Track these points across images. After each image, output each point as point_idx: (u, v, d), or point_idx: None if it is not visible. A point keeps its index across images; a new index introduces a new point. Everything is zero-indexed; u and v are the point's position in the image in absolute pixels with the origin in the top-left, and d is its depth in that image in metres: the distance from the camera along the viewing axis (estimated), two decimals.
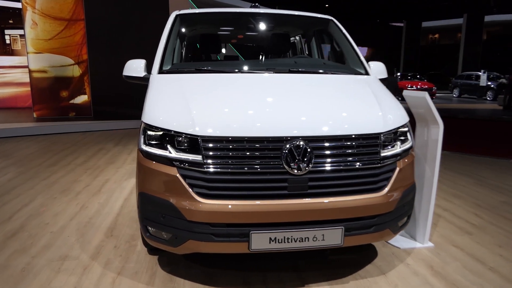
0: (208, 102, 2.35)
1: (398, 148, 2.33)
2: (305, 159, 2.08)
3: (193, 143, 2.12)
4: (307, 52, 4.31)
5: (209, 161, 2.08)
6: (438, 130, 2.80)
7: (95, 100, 9.64)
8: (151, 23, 8.95)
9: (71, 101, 9.73)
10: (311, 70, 2.95)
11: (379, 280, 2.47)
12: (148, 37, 8.97)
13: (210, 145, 2.09)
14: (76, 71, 9.61)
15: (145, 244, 2.79)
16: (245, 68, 2.90)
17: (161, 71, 2.82)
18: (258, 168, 2.08)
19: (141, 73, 3.02)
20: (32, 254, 2.78)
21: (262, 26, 3.47)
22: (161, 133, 2.21)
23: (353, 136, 2.19)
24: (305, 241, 2.11)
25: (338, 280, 2.47)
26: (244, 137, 2.09)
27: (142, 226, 2.32)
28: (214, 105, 2.32)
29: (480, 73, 20.32)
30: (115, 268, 2.59)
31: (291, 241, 2.10)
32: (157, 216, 2.20)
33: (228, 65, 3.14)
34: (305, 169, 2.08)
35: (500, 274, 2.57)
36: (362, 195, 2.18)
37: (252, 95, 2.46)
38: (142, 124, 2.34)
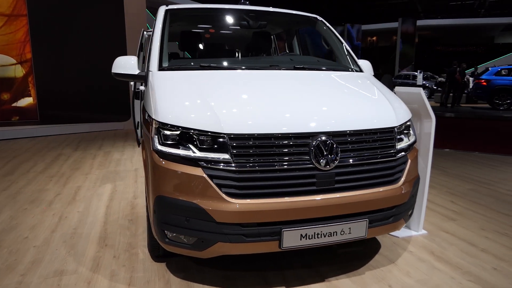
0: (228, 99, 2.28)
1: (408, 141, 2.44)
2: (332, 154, 2.10)
3: (219, 141, 2.03)
4: (287, 50, 4.35)
5: (238, 159, 2.01)
6: (431, 124, 2.98)
7: (42, 103, 8.89)
8: (103, 18, 8.48)
9: (14, 104, 8.87)
10: (314, 67, 2.99)
11: (392, 269, 2.57)
12: (101, 34, 8.53)
13: (238, 143, 2.02)
14: (18, 71, 8.78)
15: (151, 250, 2.63)
16: (250, 65, 2.86)
17: (161, 68, 2.67)
18: (286, 164, 2.05)
19: (134, 70, 2.85)
20: (20, 272, 2.49)
21: (253, 23, 3.44)
22: (178, 132, 2.10)
23: (373, 130, 2.26)
24: (333, 235, 2.13)
25: (355, 272, 2.52)
26: (272, 134, 2.06)
27: (159, 231, 2.17)
28: (235, 102, 2.25)
29: (416, 73, 21.97)
30: (123, 279, 2.41)
31: (321, 237, 2.11)
32: (179, 220, 2.08)
33: (232, 62, 3.07)
34: (333, 164, 2.10)
35: (492, 254, 2.80)
36: (382, 187, 2.25)
37: (268, 91, 2.43)
38: (154, 124, 2.19)
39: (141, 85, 3.69)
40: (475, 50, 29.14)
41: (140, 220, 3.37)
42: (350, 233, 2.17)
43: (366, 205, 2.19)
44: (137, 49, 4.83)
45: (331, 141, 2.11)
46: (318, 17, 3.57)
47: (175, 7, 3.22)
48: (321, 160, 2.08)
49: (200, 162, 2.03)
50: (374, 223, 2.24)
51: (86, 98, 8.55)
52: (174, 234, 2.14)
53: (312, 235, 2.09)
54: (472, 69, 19.48)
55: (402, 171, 2.36)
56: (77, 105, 8.54)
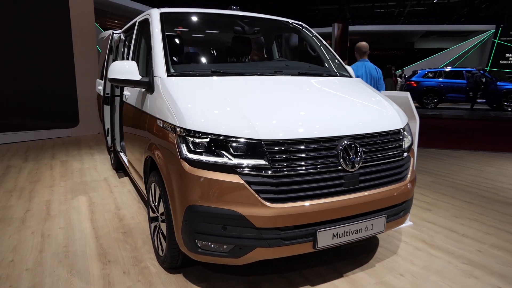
0: (255, 105, 2.29)
1: (410, 141, 2.67)
2: (357, 156, 2.23)
3: (255, 147, 2.05)
4: (265, 55, 4.44)
5: (275, 164, 2.05)
6: (416, 125, 3.27)
7: None
8: (46, 17, 7.81)
9: None
10: (316, 73, 3.11)
11: (396, 259, 2.79)
12: (43, 33, 7.83)
13: (274, 148, 2.06)
14: None
15: (169, 262, 2.54)
16: (256, 71, 2.89)
17: (170, 74, 2.60)
18: (318, 167, 2.14)
19: (136, 75, 2.73)
20: None
21: (244, 27, 3.47)
22: (209, 139, 2.08)
23: (386, 132, 2.44)
24: (359, 232, 2.27)
25: (366, 265, 2.69)
26: (303, 139, 2.13)
27: (190, 241, 2.12)
28: (262, 108, 2.27)
29: None
30: None
31: (349, 234, 2.23)
32: (215, 229, 2.06)
33: (239, 68, 3.06)
34: (357, 165, 2.23)
35: (472, 238, 3.16)
36: (395, 184, 2.44)
37: (288, 97, 2.49)
38: (179, 131, 2.14)
39: (125, 90, 3.54)
40: (398, 54, 31.84)
41: (135, 232, 3.22)
42: (372, 229, 2.32)
43: (384, 202, 2.36)
44: (106, 52, 4.57)
45: (355, 143, 2.24)
46: (303, 24, 3.72)
47: (169, 11, 3.13)
48: (348, 162, 2.20)
49: (236, 169, 2.03)
50: (390, 218, 2.43)
51: (29, 103, 7.79)
52: (207, 243, 2.11)
53: (342, 233, 2.20)
54: (400, 71, 21.29)
55: (407, 169, 2.58)
56: (19, 111, 7.74)
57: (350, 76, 3.30)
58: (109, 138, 4.72)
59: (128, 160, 3.74)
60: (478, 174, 5.29)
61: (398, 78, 18.46)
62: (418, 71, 15.67)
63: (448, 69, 16.33)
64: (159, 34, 2.85)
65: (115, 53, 4.60)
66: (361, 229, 2.27)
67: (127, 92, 3.51)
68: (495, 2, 30.93)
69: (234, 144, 2.06)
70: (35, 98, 7.83)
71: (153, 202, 2.73)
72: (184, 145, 2.12)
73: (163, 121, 2.37)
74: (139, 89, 3.03)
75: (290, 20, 3.67)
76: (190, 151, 2.10)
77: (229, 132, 2.07)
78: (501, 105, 14.69)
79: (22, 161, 5.89)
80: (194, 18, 3.35)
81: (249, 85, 2.60)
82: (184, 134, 2.13)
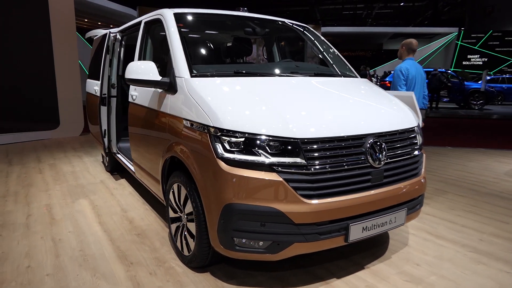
0: (287, 105, 2.36)
1: (421, 138, 2.83)
2: (382, 153, 2.35)
3: (291, 146, 2.12)
4: (265, 56, 4.51)
5: (311, 162, 2.13)
6: (419, 123, 3.44)
7: None
8: (26, 17, 7.50)
9: None
10: (330, 73, 3.22)
11: (409, 250, 2.94)
12: (21, 30, 7.51)
13: (310, 146, 2.14)
14: None
15: (191, 262, 2.56)
16: (275, 71, 2.95)
17: (193, 75, 2.61)
18: (349, 164, 2.24)
19: (156, 76, 2.73)
20: None
21: (255, 29, 3.53)
22: (244, 138, 2.13)
23: (405, 129, 2.58)
24: (384, 225, 2.40)
25: (383, 257, 2.83)
26: (335, 137, 2.22)
27: (228, 240, 2.16)
28: (294, 108, 2.34)
29: None
30: None
31: (376, 227, 2.35)
32: (253, 226, 2.12)
33: (258, 68, 3.10)
34: (382, 162, 2.36)
35: (472, 228, 3.38)
36: (413, 179, 2.58)
37: (314, 97, 2.57)
38: (213, 131, 2.18)
39: (132, 91, 3.50)
40: (367, 55, 32.84)
41: (149, 234, 3.20)
42: (395, 221, 2.46)
43: (405, 196, 2.50)
44: (103, 52, 4.48)
45: (380, 141, 2.37)
46: (307, 26, 3.82)
47: (182, 11, 3.14)
48: (374, 159, 2.32)
49: (274, 167, 2.10)
50: (409, 211, 2.57)
51: (7, 105, 7.45)
52: (244, 241, 2.16)
53: (370, 226, 2.32)
54: (372, 71, 21.99)
55: (421, 164, 2.73)
56: None
57: (356, 76, 3.44)
58: (106, 140, 4.62)
59: (135, 162, 3.69)
60: (463, 169, 5.62)
61: (372, 78, 19.07)
62: (392, 72, 16.25)
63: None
64: (177, 34, 2.85)
65: (112, 53, 4.52)
66: (386, 222, 2.40)
67: (134, 92, 3.47)
68: (456, 6, 32.59)
69: (271, 143, 2.12)
70: (13, 99, 7.50)
71: (175, 203, 2.73)
72: (219, 144, 2.16)
73: (192, 121, 2.39)
74: (153, 89, 3.01)
75: (295, 22, 3.76)
76: (226, 150, 2.14)
77: (266, 131, 2.12)
78: (468, 103, 15.54)
79: (6, 165, 5.64)
80: (206, 19, 3.37)
81: (274, 85, 2.67)
82: (219, 134, 2.17)
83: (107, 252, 2.88)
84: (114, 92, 4.63)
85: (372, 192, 2.32)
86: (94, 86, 4.82)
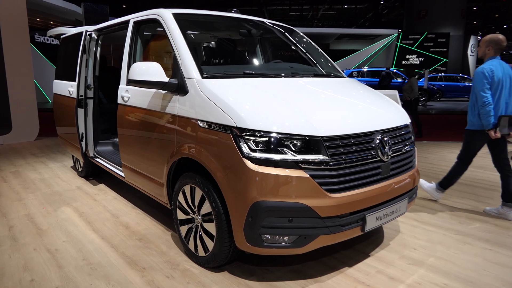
0: (304, 104, 2.45)
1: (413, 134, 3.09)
2: (388, 147, 2.55)
3: (314, 143, 2.23)
4: (247, 56, 4.57)
5: (333, 158, 2.26)
6: None
7: None
8: None
9: None
10: (327, 74, 3.37)
11: (403, 236, 3.20)
12: None
13: (331, 144, 2.27)
14: None
15: (209, 262, 2.58)
16: (280, 72, 3.03)
17: (204, 76, 2.62)
18: (363, 159, 2.40)
19: (163, 77, 2.69)
20: None
21: (251, 30, 3.58)
22: (267, 138, 2.20)
23: (403, 126, 2.80)
24: (392, 214, 2.60)
25: (383, 244, 3.05)
26: (351, 134, 2.37)
27: (256, 237, 2.22)
28: (311, 106, 2.44)
29: None
30: None
31: (386, 216, 2.54)
32: (282, 222, 2.20)
33: (262, 69, 3.14)
34: (389, 156, 2.55)
35: (449, 213, 3.74)
36: (410, 171, 2.82)
37: (322, 96, 2.70)
38: (237, 131, 2.22)
39: (121, 92, 3.40)
40: None
41: (151, 238, 3.14)
42: (399, 210, 2.67)
43: (406, 187, 2.72)
44: (80, 52, 4.26)
45: (386, 136, 2.56)
46: (293, 28, 3.96)
47: (180, 12, 3.11)
48: (383, 153, 2.50)
49: (300, 164, 2.19)
50: (409, 200, 2.80)
51: None
52: (271, 237, 2.24)
53: (382, 216, 2.50)
54: None
55: (415, 157, 2.98)
56: None
57: (344, 76, 3.63)
58: (83, 143, 4.41)
59: (126, 165, 3.57)
60: (425, 160, 6.12)
61: None
62: (344, 71, 17.09)
63: (365, 68, 18.04)
64: (179, 34, 2.83)
65: (88, 53, 4.32)
66: (394, 211, 2.60)
67: (125, 94, 3.36)
68: (393, 9, 34.84)
69: (295, 141, 2.21)
70: None
71: (186, 204, 2.72)
72: (244, 144, 2.21)
73: (210, 122, 2.40)
74: (154, 90, 2.96)
75: (283, 24, 3.88)
76: (251, 149, 2.20)
77: (291, 130, 2.21)
78: None
79: None
80: (201, 20, 3.37)
81: (285, 85, 2.75)
82: (244, 134, 2.21)
83: (113, 259, 2.79)
84: (90, 93, 4.43)
85: (382, 184, 2.50)
86: (68, 87, 4.56)
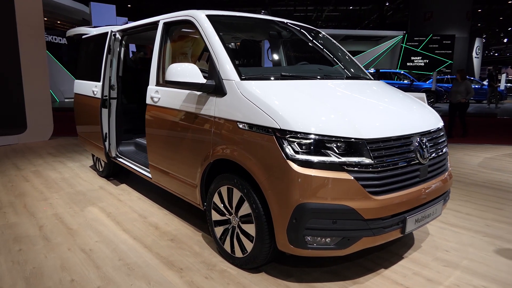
0: (346, 106, 2.47)
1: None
2: (427, 150, 2.56)
3: (357, 146, 2.24)
4: (269, 58, 4.59)
5: (376, 161, 2.27)
6: None
7: None
8: None
9: None
10: (359, 76, 3.39)
11: (433, 238, 3.21)
12: None
13: (374, 146, 2.28)
14: None
15: (247, 263, 2.60)
16: (314, 74, 3.05)
17: (243, 78, 2.63)
18: (404, 161, 2.41)
19: (201, 78, 2.71)
20: None
21: (281, 32, 3.60)
22: (312, 140, 2.22)
23: (438, 128, 2.82)
24: (430, 216, 2.61)
25: (415, 245, 3.06)
26: (391, 137, 2.38)
27: (300, 239, 2.23)
28: (353, 109, 2.46)
29: None
30: None
31: (424, 218, 2.55)
32: (326, 223, 2.21)
33: (298, 71, 3.15)
34: (428, 158, 2.56)
35: (475, 216, 3.75)
36: (445, 173, 2.83)
37: (361, 99, 2.72)
38: (280, 133, 2.23)
39: (151, 93, 3.42)
40: None
41: (183, 239, 3.16)
42: (436, 213, 2.68)
43: (441, 189, 2.73)
44: (105, 52, 4.29)
45: (424, 139, 2.57)
46: (319, 30, 3.97)
47: (213, 13, 3.13)
48: (422, 156, 2.52)
49: (345, 166, 2.20)
50: (444, 203, 2.81)
51: None
52: (315, 238, 2.25)
53: (420, 218, 2.51)
54: None
55: (447, 160, 2.99)
56: None
57: (372, 79, 3.65)
58: (107, 143, 4.43)
59: (154, 166, 3.58)
60: None
61: None
62: None
63: (371, 70, 18.04)
64: (217, 37, 2.84)
65: (112, 54, 4.34)
66: (431, 213, 2.61)
67: (156, 94, 3.38)
68: (398, 11, 34.83)
69: (339, 144, 2.23)
70: None
71: (223, 205, 2.74)
72: (289, 146, 2.22)
73: (251, 124, 2.42)
74: (187, 92, 2.97)
75: (310, 26, 3.90)
76: (295, 151, 2.21)
77: (335, 132, 2.22)
78: None
79: None
80: (235, 21, 3.39)
81: (324, 88, 2.77)
82: (288, 136, 2.23)
83: (149, 259, 2.80)
84: (114, 93, 4.45)
85: (421, 186, 2.51)
86: (92, 88, 4.58)
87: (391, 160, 2.34)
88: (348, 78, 3.26)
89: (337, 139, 2.22)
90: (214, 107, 2.73)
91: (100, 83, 4.32)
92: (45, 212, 3.74)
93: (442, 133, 2.87)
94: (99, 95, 4.35)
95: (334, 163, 2.19)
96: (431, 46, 27.37)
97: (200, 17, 3.03)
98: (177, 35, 3.73)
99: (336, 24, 41.56)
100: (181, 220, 3.58)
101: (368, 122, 2.37)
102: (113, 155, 4.51)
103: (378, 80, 3.56)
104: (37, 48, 7.49)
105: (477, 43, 28.59)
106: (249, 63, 3.49)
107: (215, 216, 2.84)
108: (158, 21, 3.55)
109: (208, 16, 3.05)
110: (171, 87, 3.14)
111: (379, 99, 2.86)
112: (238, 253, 2.66)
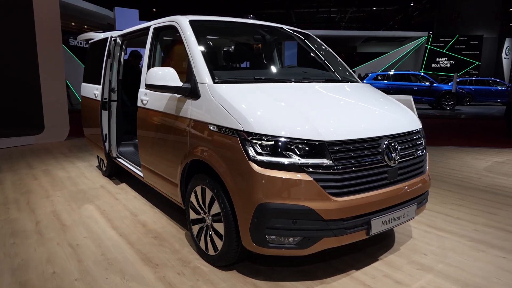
0: (310, 109, 2.51)
1: (424, 139, 3.07)
2: (396, 153, 2.56)
3: (319, 148, 2.28)
4: (265, 61, 4.66)
5: (337, 162, 2.30)
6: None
7: None
8: (10, 18, 7.31)
9: None
10: (338, 79, 3.41)
11: (415, 242, 3.17)
12: (6, 36, 7.33)
13: (335, 148, 2.31)
14: None
15: (218, 261, 2.68)
16: (290, 77, 3.11)
17: (215, 81, 2.73)
18: (369, 164, 2.43)
19: (177, 82, 2.82)
20: None
21: (265, 36, 3.67)
22: (274, 141, 2.27)
23: (413, 131, 2.80)
24: (399, 219, 2.60)
25: (392, 249, 3.04)
26: (356, 139, 2.40)
27: (261, 237, 2.29)
28: (317, 111, 2.50)
29: None
30: None
31: (393, 221, 2.55)
32: (286, 223, 2.26)
33: (274, 75, 3.23)
34: (396, 161, 2.56)
35: (465, 220, 3.67)
36: (420, 176, 2.81)
37: (333, 102, 2.75)
38: (244, 135, 2.30)
39: (141, 96, 3.56)
40: (341, 58, 33.63)
41: (166, 236, 3.28)
42: (407, 215, 2.67)
43: (415, 192, 2.71)
44: (105, 56, 4.49)
45: (394, 142, 2.57)
46: (309, 33, 4.01)
47: (196, 18, 3.24)
48: (390, 158, 2.52)
49: (304, 168, 2.25)
50: (418, 206, 2.79)
51: None
52: (276, 238, 2.30)
53: (388, 220, 2.52)
54: None
55: (426, 163, 2.97)
56: None
57: (358, 81, 3.65)
58: (107, 144, 4.63)
59: (144, 166, 3.74)
60: (446, 166, 5.98)
61: None
62: (369, 74, 16.91)
63: (392, 72, 17.72)
64: (196, 42, 2.95)
65: (112, 58, 4.54)
66: (401, 216, 2.61)
67: (144, 97, 3.53)
68: (425, 11, 33.97)
69: (300, 146, 2.27)
70: None
71: (198, 205, 2.83)
72: (251, 147, 2.29)
73: (219, 125, 2.50)
74: (170, 94, 3.09)
75: (299, 29, 3.94)
76: (257, 153, 2.28)
77: (296, 135, 2.27)
78: (440, 104, 16.36)
79: None
80: (217, 26, 3.49)
81: (294, 90, 2.82)
82: (250, 137, 2.30)
83: (129, 255, 2.94)
84: (114, 96, 4.64)
85: (389, 189, 2.52)
86: (93, 90, 4.81)
87: (353, 162, 2.36)
88: (328, 81, 3.29)
89: (297, 141, 2.27)
90: (190, 109, 2.83)
91: (101, 86, 4.53)
92: (42, 211, 3.96)
93: (417, 136, 2.85)
94: (100, 98, 4.56)
95: (294, 164, 2.24)
96: (458, 47, 26.59)
97: (182, 22, 3.15)
98: (170, 40, 3.87)
99: (360, 25, 41.01)
100: (169, 218, 3.70)
101: (332, 124, 2.40)
102: (114, 155, 4.71)
103: (362, 81, 3.56)
104: (54, 53, 7.87)
105: (507, 43, 27.49)
106: (243, 67, 3.58)
107: (192, 215, 2.94)
108: (149, 26, 3.70)
109: (191, 21, 3.17)
110: (155, 91, 3.27)
111: (352, 101, 2.88)
112: (211, 251, 2.74)
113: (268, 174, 2.24)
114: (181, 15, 3.24)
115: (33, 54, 7.58)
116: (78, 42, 19.34)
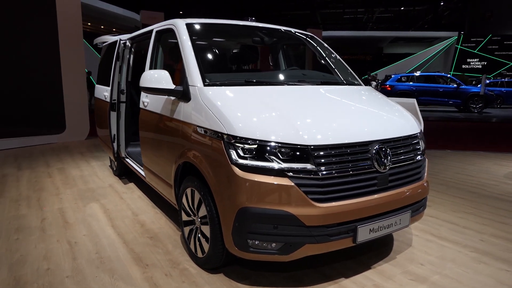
0: (297, 113, 2.48)
1: (424, 144, 2.95)
2: (387, 158, 2.47)
3: (302, 152, 2.24)
4: (271, 63, 4.63)
5: (321, 167, 2.25)
6: (421, 129, 3.57)
7: None
8: (34, 22, 7.64)
9: None
10: (336, 82, 3.34)
11: (413, 250, 3.05)
12: (28, 34, 7.63)
13: (319, 153, 2.26)
14: None
15: (205, 264, 2.68)
16: (283, 80, 3.08)
17: (206, 84, 2.73)
18: (356, 169, 2.36)
19: (170, 84, 2.85)
20: None
21: (264, 38, 3.65)
22: (257, 145, 2.25)
23: (408, 136, 2.70)
24: (390, 227, 2.51)
25: (388, 257, 2.94)
26: (343, 144, 2.34)
27: (242, 242, 2.27)
28: (304, 116, 2.46)
29: None
30: None
31: (383, 229, 2.46)
32: (267, 228, 2.23)
33: (268, 77, 3.22)
34: (387, 167, 2.47)
35: (473, 229, 3.50)
36: (416, 183, 2.70)
37: (323, 106, 2.70)
38: (228, 138, 2.29)
39: (143, 97, 3.62)
40: (367, 59, 33.02)
41: (161, 237, 3.31)
42: (400, 223, 2.57)
43: (409, 199, 2.61)
44: (114, 59, 4.61)
45: (385, 147, 2.48)
46: (312, 34, 3.95)
47: (194, 21, 3.26)
48: (380, 164, 2.43)
49: (286, 172, 2.21)
50: (413, 213, 2.68)
51: (14, 109, 7.58)
52: (258, 242, 2.28)
53: (377, 228, 2.43)
54: (373, 74, 22.19)
55: (424, 169, 2.85)
56: (3, 118, 7.50)
57: (360, 84, 3.56)
58: (115, 144, 4.74)
59: (145, 166, 3.80)
60: (463, 172, 5.73)
61: (373, 81, 19.25)
62: (392, 76, 16.47)
63: (417, 73, 17.20)
64: (190, 44, 2.97)
65: (122, 60, 4.65)
66: (392, 224, 2.51)
67: (145, 99, 3.59)
68: (456, 11, 32.81)
69: (283, 150, 2.24)
70: (20, 103, 7.64)
71: (188, 207, 2.85)
72: (233, 151, 2.28)
73: (205, 128, 2.51)
74: (166, 97, 3.13)
75: (301, 31, 3.89)
76: (240, 156, 2.26)
77: (278, 139, 2.24)
78: (468, 107, 15.71)
79: (15, 169, 5.76)
80: (216, 29, 3.50)
81: (284, 94, 2.79)
82: (233, 141, 2.28)
83: (122, 254, 2.99)
84: (123, 97, 4.75)
85: (378, 195, 2.43)
86: (104, 92, 4.94)
87: (338, 168, 2.30)
88: (324, 83, 3.22)
89: (280, 145, 2.24)
90: (182, 111, 2.85)
91: (109, 88, 4.65)
92: (52, 206, 4.10)
93: (414, 141, 2.75)
94: (109, 99, 4.68)
95: (276, 169, 2.21)
96: (490, 47, 25.50)
97: (179, 25, 3.18)
98: (170, 42, 3.92)
99: (388, 25, 40.10)
100: (168, 219, 3.74)
101: (317, 129, 2.35)
102: (123, 155, 4.82)
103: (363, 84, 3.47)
104: (76, 55, 8.16)
105: None
106: (239, 70, 3.58)
107: (184, 217, 2.96)
108: (152, 29, 3.76)
109: (187, 24, 3.20)
110: (149, 93, 3.31)
111: (346, 105, 2.81)
112: (199, 253, 2.75)
113: (249, 178, 2.22)
114: (199, 18, 3.27)
115: (56, 56, 7.89)
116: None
